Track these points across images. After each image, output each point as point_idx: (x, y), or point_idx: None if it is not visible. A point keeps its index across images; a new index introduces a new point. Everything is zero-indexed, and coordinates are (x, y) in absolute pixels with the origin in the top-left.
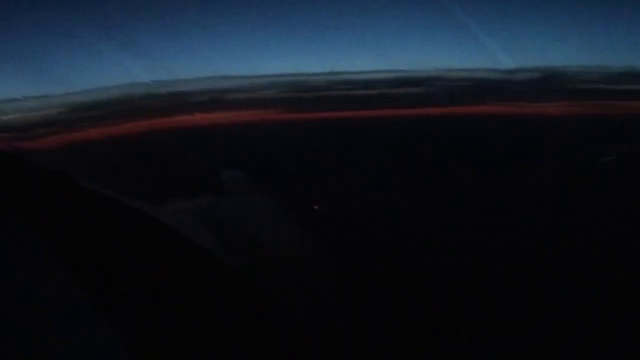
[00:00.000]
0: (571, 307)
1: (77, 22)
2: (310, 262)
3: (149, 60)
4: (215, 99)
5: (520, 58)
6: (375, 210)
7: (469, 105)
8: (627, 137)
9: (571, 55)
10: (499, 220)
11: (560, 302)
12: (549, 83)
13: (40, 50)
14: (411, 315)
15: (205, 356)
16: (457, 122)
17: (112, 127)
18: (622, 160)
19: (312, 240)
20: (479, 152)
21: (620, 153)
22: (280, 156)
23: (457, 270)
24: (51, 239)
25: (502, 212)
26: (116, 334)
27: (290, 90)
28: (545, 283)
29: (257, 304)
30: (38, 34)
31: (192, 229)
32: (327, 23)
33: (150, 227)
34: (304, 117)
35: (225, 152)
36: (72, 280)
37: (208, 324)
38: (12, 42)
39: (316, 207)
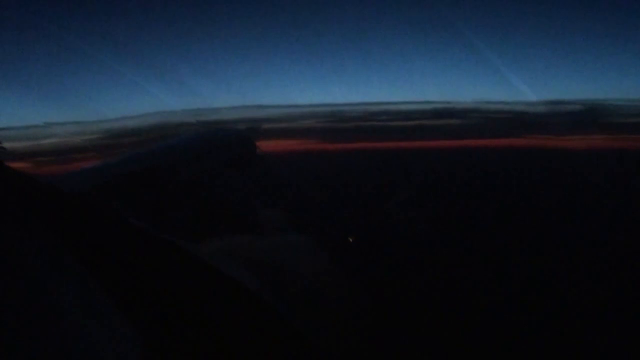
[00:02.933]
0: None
1: (110, 52)
2: (347, 298)
3: (180, 89)
4: (250, 129)
5: (555, 93)
6: (411, 242)
7: (505, 138)
8: None
9: (606, 90)
10: (534, 250)
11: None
12: (587, 116)
13: (75, 79)
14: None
15: None
16: (492, 154)
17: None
18: None
19: (349, 276)
20: (513, 184)
21: None
22: (314, 189)
23: (496, 302)
24: (92, 268)
25: (537, 243)
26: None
27: (328, 120)
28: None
29: (296, 341)
30: (73, 65)
31: (229, 267)
32: (364, 56)
33: (188, 263)
34: (341, 148)
35: (259, 184)
36: (116, 312)
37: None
38: (50, 72)
39: (351, 240)
